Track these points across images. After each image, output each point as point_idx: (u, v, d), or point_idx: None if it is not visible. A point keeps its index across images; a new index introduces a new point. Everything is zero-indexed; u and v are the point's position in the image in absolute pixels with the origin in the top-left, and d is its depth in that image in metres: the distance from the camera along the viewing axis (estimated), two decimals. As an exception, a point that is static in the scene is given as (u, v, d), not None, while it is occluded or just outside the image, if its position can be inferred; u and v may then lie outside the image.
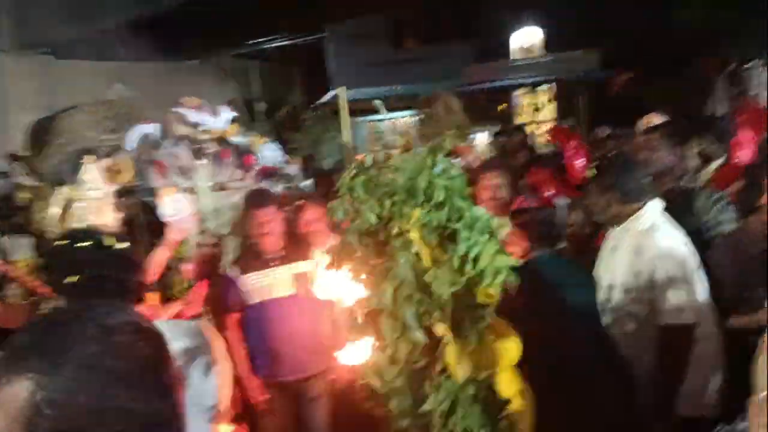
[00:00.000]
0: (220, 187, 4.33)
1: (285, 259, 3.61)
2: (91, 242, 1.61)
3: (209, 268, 3.74)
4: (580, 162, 6.31)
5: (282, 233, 3.65)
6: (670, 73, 11.77)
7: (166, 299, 3.48)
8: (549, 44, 14.49)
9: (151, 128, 4.48)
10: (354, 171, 2.13)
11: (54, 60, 10.25)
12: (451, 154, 5.98)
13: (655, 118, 4.48)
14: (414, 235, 1.95)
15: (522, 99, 14.34)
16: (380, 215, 2.04)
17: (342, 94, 4.81)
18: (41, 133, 9.68)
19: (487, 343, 1.95)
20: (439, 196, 1.97)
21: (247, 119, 14.13)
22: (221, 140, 4.39)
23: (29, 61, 9.63)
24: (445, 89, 14.41)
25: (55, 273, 1.63)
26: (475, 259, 1.90)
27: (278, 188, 4.46)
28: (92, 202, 2.62)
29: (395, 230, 2.01)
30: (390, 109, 14.83)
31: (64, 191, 2.68)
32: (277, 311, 3.53)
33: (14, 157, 4.85)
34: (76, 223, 2.59)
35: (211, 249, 4.03)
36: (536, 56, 14.43)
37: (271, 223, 3.47)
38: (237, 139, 4.46)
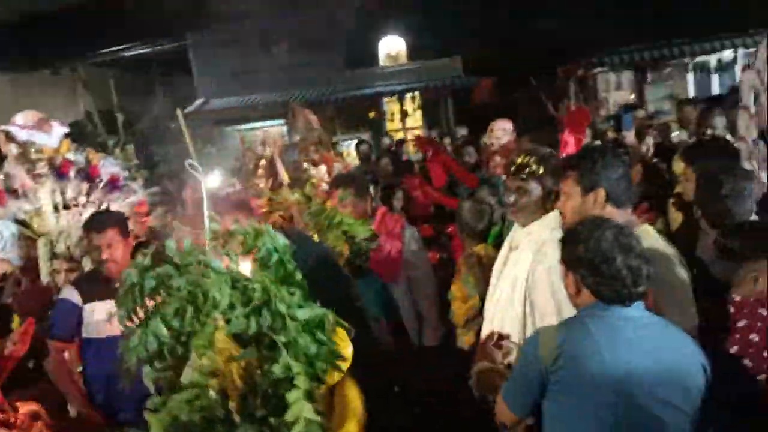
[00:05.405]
0: (65, 206, 3.98)
1: None
2: None
3: (40, 302, 3.37)
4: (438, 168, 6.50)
5: (127, 259, 3.29)
6: (527, 81, 12.41)
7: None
8: (413, 53, 14.83)
9: (-24, 150, 4.07)
10: (146, 261, 1.55)
11: None
12: (315, 163, 5.92)
13: (507, 124, 4.62)
14: (209, 354, 1.47)
15: (391, 106, 14.55)
16: (179, 330, 1.50)
17: None
18: None
19: None
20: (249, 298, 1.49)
21: (104, 131, 13.40)
22: (54, 159, 4.06)
23: None
24: (315, 97, 14.49)
25: None
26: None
27: (127, 201, 4.18)
28: None
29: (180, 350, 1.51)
30: (260, 118, 14.59)
31: None
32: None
33: None
34: None
35: (42, 283, 3.68)
36: (402, 64, 14.70)
37: (110, 248, 3.14)
38: (72, 156, 4.14)
